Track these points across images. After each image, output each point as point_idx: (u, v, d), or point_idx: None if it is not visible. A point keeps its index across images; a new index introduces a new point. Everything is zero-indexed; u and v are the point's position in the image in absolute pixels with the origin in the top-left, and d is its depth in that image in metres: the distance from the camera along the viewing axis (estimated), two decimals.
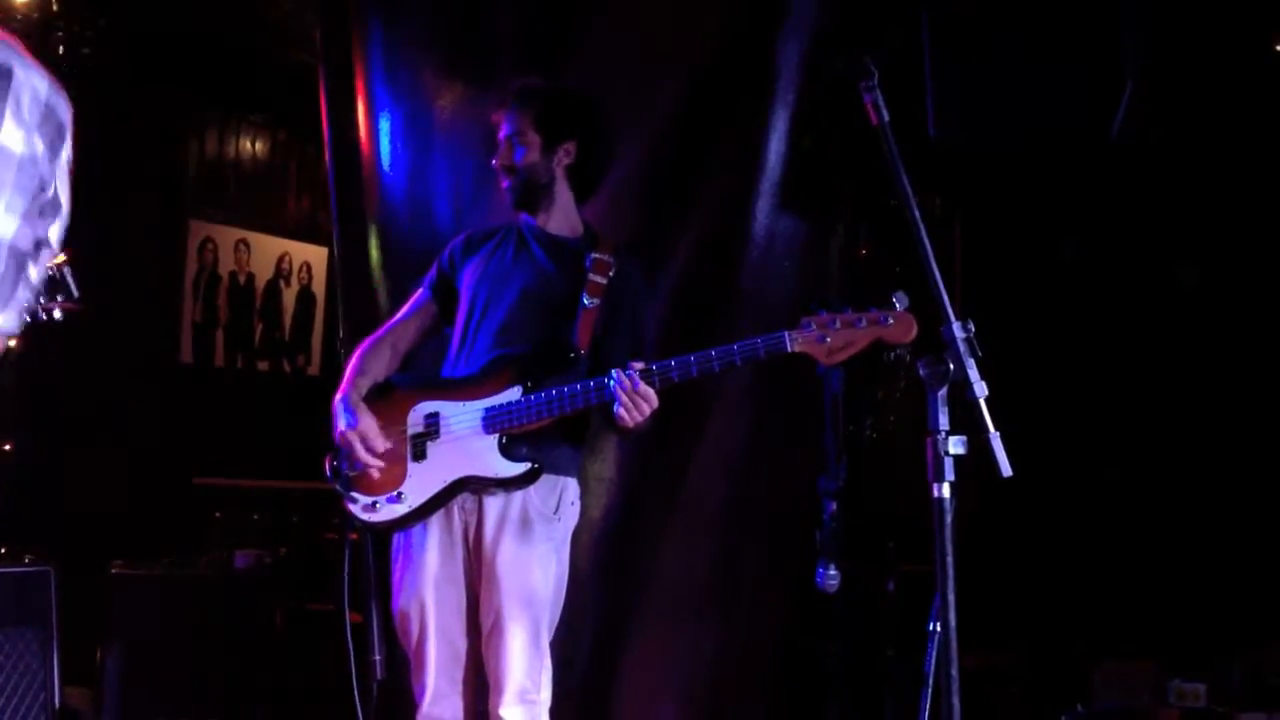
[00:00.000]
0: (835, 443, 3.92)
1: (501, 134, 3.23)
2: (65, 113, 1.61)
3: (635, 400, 2.90)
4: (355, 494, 3.11)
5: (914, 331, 2.69)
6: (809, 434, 4.16)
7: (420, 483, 3.07)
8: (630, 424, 2.93)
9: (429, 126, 4.31)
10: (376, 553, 3.54)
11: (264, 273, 7.09)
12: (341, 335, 4.30)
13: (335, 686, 4.66)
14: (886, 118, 2.24)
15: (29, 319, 2.81)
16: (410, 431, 3.11)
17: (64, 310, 2.86)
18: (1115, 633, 4.65)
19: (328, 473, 3.16)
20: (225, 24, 6.22)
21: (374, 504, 3.09)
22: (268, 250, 7.10)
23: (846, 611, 4.04)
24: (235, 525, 5.31)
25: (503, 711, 3.01)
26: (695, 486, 4.01)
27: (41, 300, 2.77)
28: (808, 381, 4.07)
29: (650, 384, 2.92)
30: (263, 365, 7.14)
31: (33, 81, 1.55)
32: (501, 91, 3.34)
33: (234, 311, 6.93)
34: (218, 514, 5.29)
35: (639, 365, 2.92)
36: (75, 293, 2.83)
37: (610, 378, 2.91)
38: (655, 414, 2.98)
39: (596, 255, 3.19)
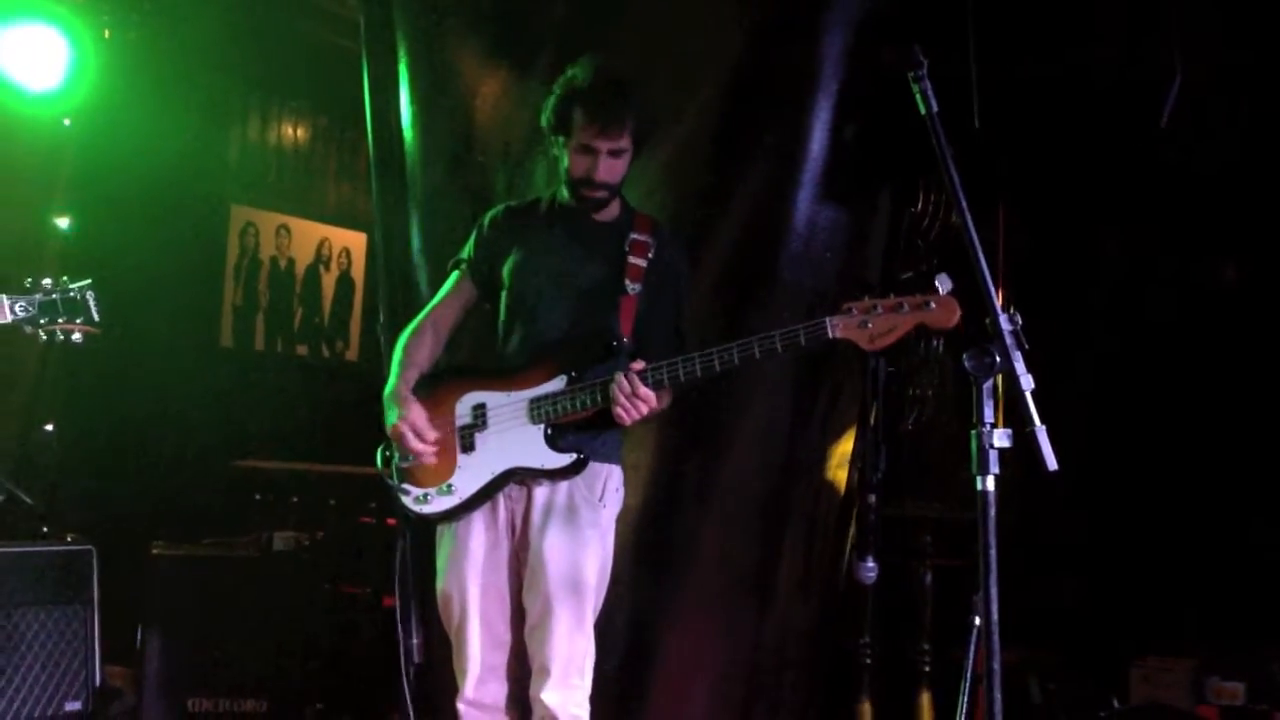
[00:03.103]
0: (875, 436, 3.93)
1: (605, 147, 3.09)
2: None
3: (634, 403, 2.92)
4: (407, 486, 3.14)
5: (957, 315, 2.65)
6: (848, 425, 4.16)
7: (469, 474, 3.10)
8: (629, 422, 2.96)
9: (470, 113, 4.32)
10: (415, 539, 3.57)
11: (304, 258, 7.13)
12: (382, 320, 4.33)
13: (371, 668, 4.73)
14: (935, 108, 2.23)
15: (45, 338, 2.86)
16: (458, 423, 3.13)
17: (82, 333, 2.88)
18: (1154, 630, 4.61)
19: (379, 465, 3.19)
20: (268, 9, 6.25)
21: (425, 495, 3.12)
22: (308, 235, 7.14)
23: (882, 604, 4.02)
24: (274, 507, 5.34)
25: (544, 695, 3.03)
26: (733, 475, 4.00)
27: (61, 321, 2.79)
28: (848, 375, 4.08)
29: (659, 384, 2.93)
30: (302, 350, 7.19)
31: None
32: (549, 78, 3.31)
33: (274, 296, 6.98)
34: (257, 496, 5.33)
35: (638, 366, 2.93)
36: (96, 318, 2.84)
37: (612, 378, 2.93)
38: (663, 408, 3.02)
39: (635, 236, 3.18)
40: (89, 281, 2.83)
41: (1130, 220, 4.87)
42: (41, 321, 2.78)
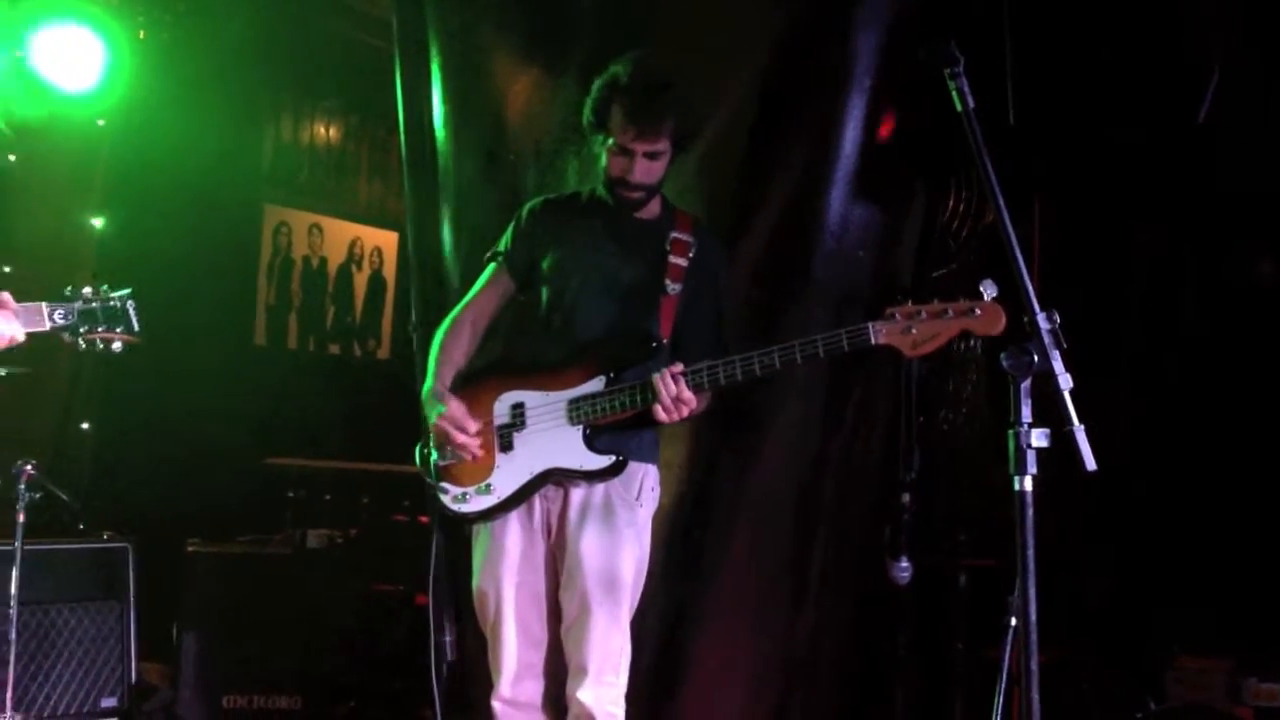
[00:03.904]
0: (909, 435, 3.91)
1: (641, 149, 3.06)
2: None
3: (677, 405, 2.93)
4: (445, 485, 3.15)
5: (1003, 323, 2.64)
6: (881, 424, 4.14)
7: (508, 474, 3.10)
8: (669, 422, 2.96)
9: (502, 111, 4.32)
10: (450, 537, 3.57)
11: (336, 257, 7.17)
12: (414, 319, 4.34)
13: (404, 665, 4.74)
14: (972, 104, 2.21)
15: (85, 346, 2.88)
16: (497, 422, 3.13)
17: (123, 342, 2.89)
18: (1190, 631, 4.57)
19: (418, 463, 3.20)
20: (301, 9, 6.28)
21: (464, 494, 3.13)
22: (340, 235, 7.17)
23: (916, 604, 4.00)
24: (307, 505, 5.37)
25: (580, 694, 3.03)
26: (766, 474, 3.99)
27: (100, 330, 2.80)
28: (881, 372, 4.06)
29: (698, 387, 2.92)
30: (334, 348, 7.23)
31: None
32: (581, 76, 3.30)
33: (307, 295, 7.02)
34: (290, 494, 5.35)
35: (677, 369, 2.92)
36: (136, 328, 2.85)
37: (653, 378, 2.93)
38: (702, 410, 3.02)
39: (676, 235, 3.17)
40: (129, 290, 2.84)
41: (1166, 217, 4.83)
42: (81, 330, 2.79)
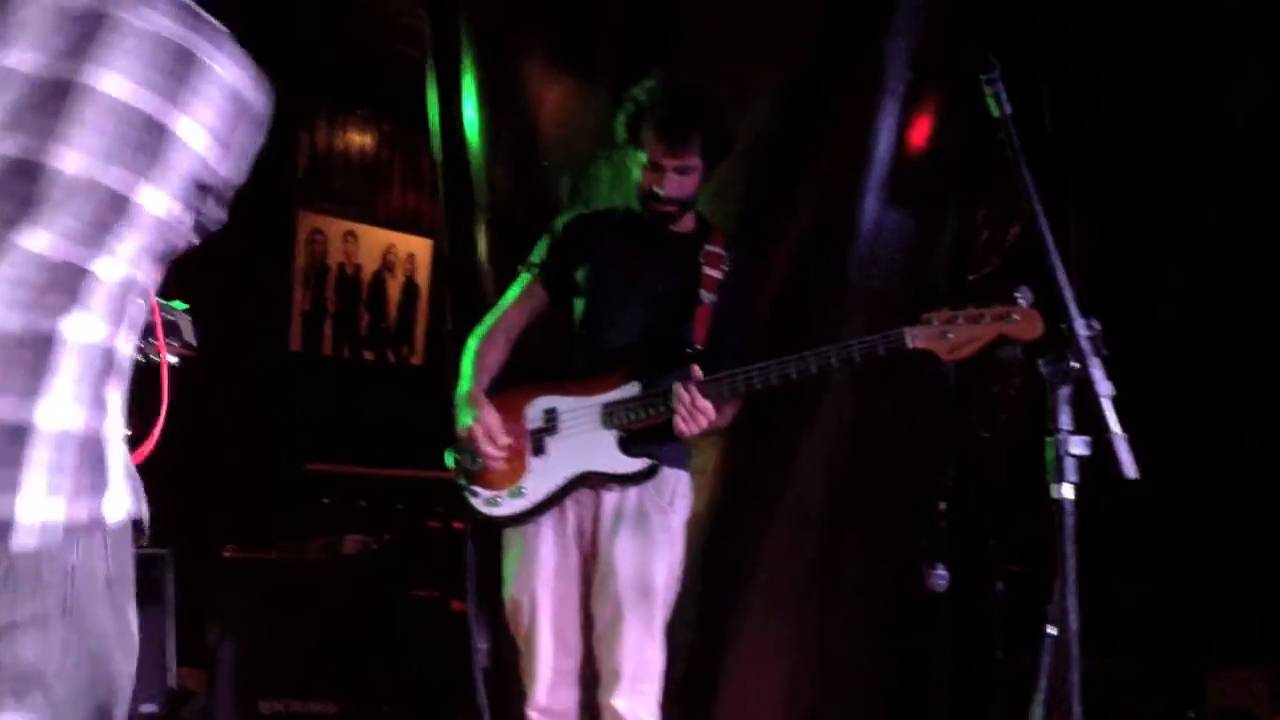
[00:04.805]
0: (945, 440, 3.89)
1: (672, 165, 3.08)
2: (259, 104, 1.61)
3: (694, 414, 2.91)
4: (477, 488, 3.15)
5: (1040, 328, 2.62)
6: (915, 430, 4.12)
7: (540, 478, 3.11)
8: (689, 434, 2.94)
9: (535, 118, 4.34)
10: (482, 543, 3.58)
11: (370, 264, 7.20)
12: (449, 326, 4.35)
13: (439, 672, 4.75)
14: (1009, 110, 2.20)
15: (142, 360, 2.90)
16: (530, 427, 3.14)
17: (178, 355, 2.93)
18: (1232, 639, 4.52)
19: (450, 466, 3.20)
20: (334, 18, 6.32)
21: (495, 498, 3.13)
22: (374, 242, 7.20)
23: (954, 611, 3.97)
24: (343, 511, 5.39)
25: (614, 701, 3.03)
26: (798, 481, 3.99)
27: (155, 343, 2.85)
28: (915, 378, 4.04)
29: (734, 393, 2.92)
30: (368, 355, 7.26)
31: (222, 69, 1.55)
32: (613, 84, 3.32)
33: (341, 302, 7.05)
34: (325, 500, 5.37)
35: (697, 375, 2.92)
36: (193, 342, 2.90)
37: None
38: (725, 423, 3.01)
39: (710, 248, 3.18)
40: (186, 305, 2.90)
41: (1206, 220, 4.78)
42: (138, 345, 2.84)
